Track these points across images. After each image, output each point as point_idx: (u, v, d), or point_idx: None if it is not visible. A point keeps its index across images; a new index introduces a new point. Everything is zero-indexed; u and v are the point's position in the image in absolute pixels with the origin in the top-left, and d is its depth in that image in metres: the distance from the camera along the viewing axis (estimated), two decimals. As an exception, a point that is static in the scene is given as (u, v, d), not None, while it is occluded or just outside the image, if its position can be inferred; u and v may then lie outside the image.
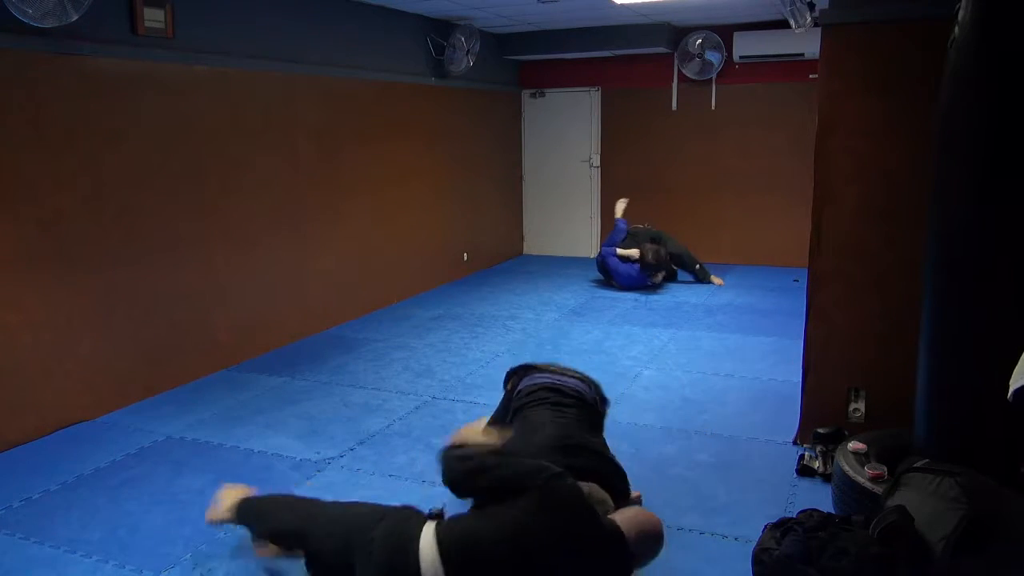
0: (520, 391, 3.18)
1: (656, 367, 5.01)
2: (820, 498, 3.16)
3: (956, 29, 2.58)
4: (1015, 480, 2.67)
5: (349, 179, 6.18)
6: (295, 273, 5.66)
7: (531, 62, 8.80)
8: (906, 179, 3.33)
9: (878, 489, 2.78)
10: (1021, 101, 2.49)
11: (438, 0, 6.28)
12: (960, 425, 2.74)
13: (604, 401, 3.33)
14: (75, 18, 3.69)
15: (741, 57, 7.72)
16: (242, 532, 3.02)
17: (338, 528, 2.37)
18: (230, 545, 2.94)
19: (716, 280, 7.45)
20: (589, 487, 2.51)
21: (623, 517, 2.38)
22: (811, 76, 7.25)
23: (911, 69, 3.29)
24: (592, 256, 8.30)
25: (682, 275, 7.58)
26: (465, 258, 7.99)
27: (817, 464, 3.44)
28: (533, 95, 9.03)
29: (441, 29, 7.12)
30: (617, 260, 7.20)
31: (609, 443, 3.85)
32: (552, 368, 3.33)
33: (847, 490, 2.95)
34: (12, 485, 3.46)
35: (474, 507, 2.43)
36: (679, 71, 8.13)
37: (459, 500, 2.58)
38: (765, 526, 2.62)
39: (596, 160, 8.86)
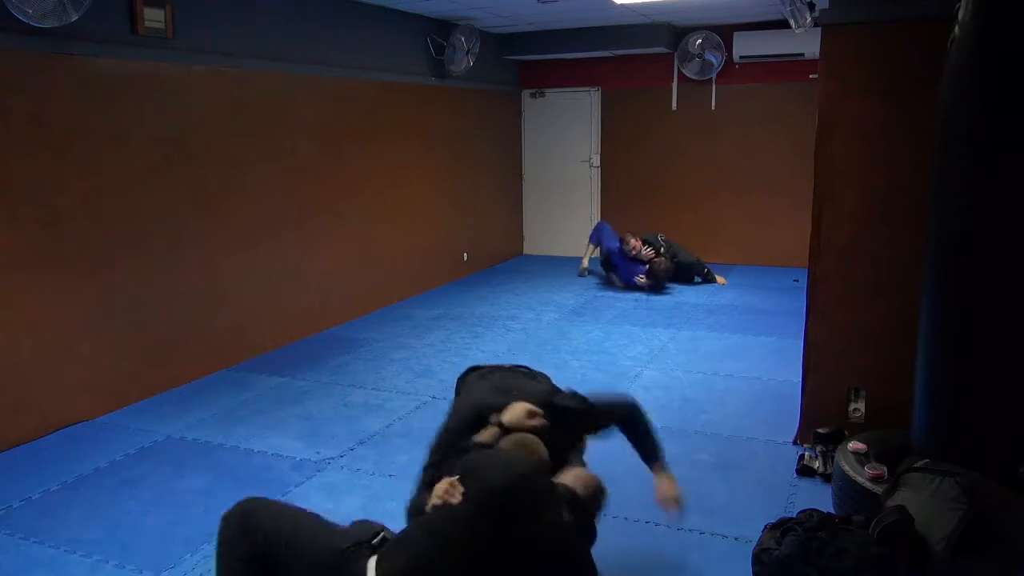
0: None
1: (656, 367, 5.01)
2: (820, 498, 3.16)
3: (956, 29, 2.58)
4: (1015, 480, 2.68)
5: (349, 179, 6.18)
6: (295, 273, 5.66)
7: (531, 62, 8.80)
8: (906, 179, 3.33)
9: (878, 489, 2.78)
10: (1021, 101, 2.49)
11: (438, 0, 6.28)
12: (960, 425, 2.74)
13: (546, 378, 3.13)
14: (75, 18, 3.69)
15: (741, 57, 7.72)
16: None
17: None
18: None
19: (720, 279, 7.46)
20: (523, 443, 2.37)
21: (571, 478, 2.41)
22: (811, 76, 7.25)
23: (911, 69, 3.29)
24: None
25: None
26: (465, 258, 7.99)
27: (817, 464, 3.44)
28: (533, 95, 9.03)
29: (441, 29, 7.12)
30: (624, 259, 7.21)
31: (609, 443, 3.86)
32: (506, 366, 3.15)
33: (847, 490, 2.95)
34: (12, 485, 3.46)
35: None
36: (679, 71, 8.13)
37: None
38: (765, 526, 2.62)
39: (596, 160, 8.85)
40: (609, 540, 2.98)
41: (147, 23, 4.35)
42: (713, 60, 7.85)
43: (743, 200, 8.16)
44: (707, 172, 8.29)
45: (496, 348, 5.47)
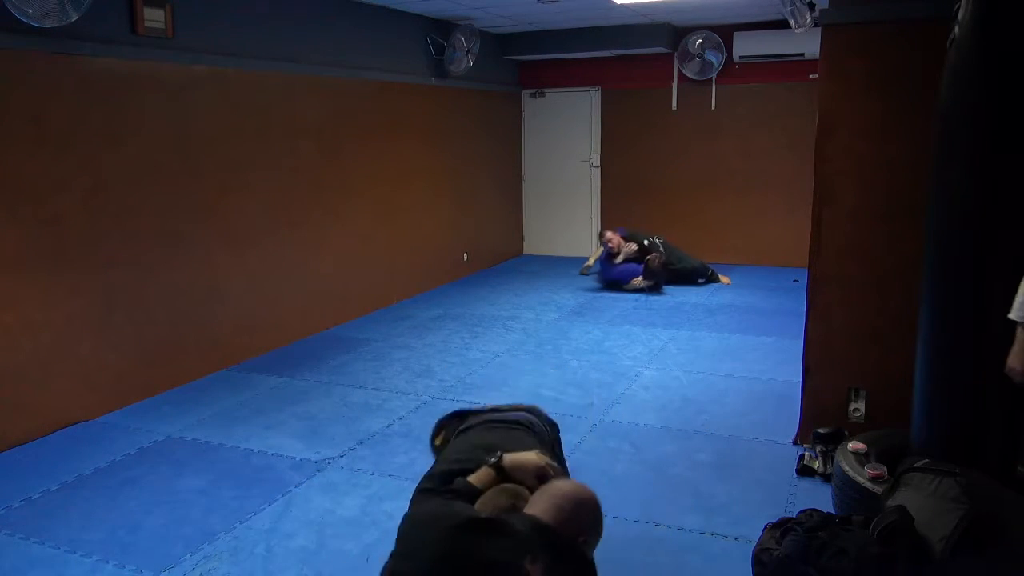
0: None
1: (656, 367, 5.01)
2: (820, 498, 3.16)
3: (956, 29, 2.58)
4: (1015, 480, 2.68)
5: (349, 179, 6.18)
6: (295, 273, 5.65)
7: (531, 62, 8.80)
8: (906, 179, 3.33)
9: (878, 489, 2.78)
10: (1021, 101, 2.49)
11: (438, 0, 6.28)
12: (960, 425, 2.75)
13: (554, 426, 2.70)
14: (75, 18, 3.69)
15: (741, 57, 7.72)
16: (243, 534, 3.03)
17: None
18: (230, 545, 2.95)
19: (724, 279, 7.46)
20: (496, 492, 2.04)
21: (541, 502, 1.95)
22: (811, 76, 7.25)
23: (911, 69, 3.29)
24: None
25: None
26: (465, 258, 7.99)
27: (817, 464, 3.44)
28: (533, 95, 9.03)
29: (441, 29, 7.12)
30: (617, 267, 7.19)
31: (609, 443, 3.87)
32: (488, 409, 2.68)
33: (847, 490, 2.95)
34: (12, 485, 3.46)
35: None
36: (679, 71, 8.13)
37: None
38: (765, 526, 2.62)
39: (596, 160, 8.85)
40: (609, 540, 2.98)
41: (147, 23, 4.35)
42: (713, 60, 7.85)
43: (743, 200, 8.16)
44: (707, 172, 8.29)
45: (496, 348, 5.47)
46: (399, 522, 1.96)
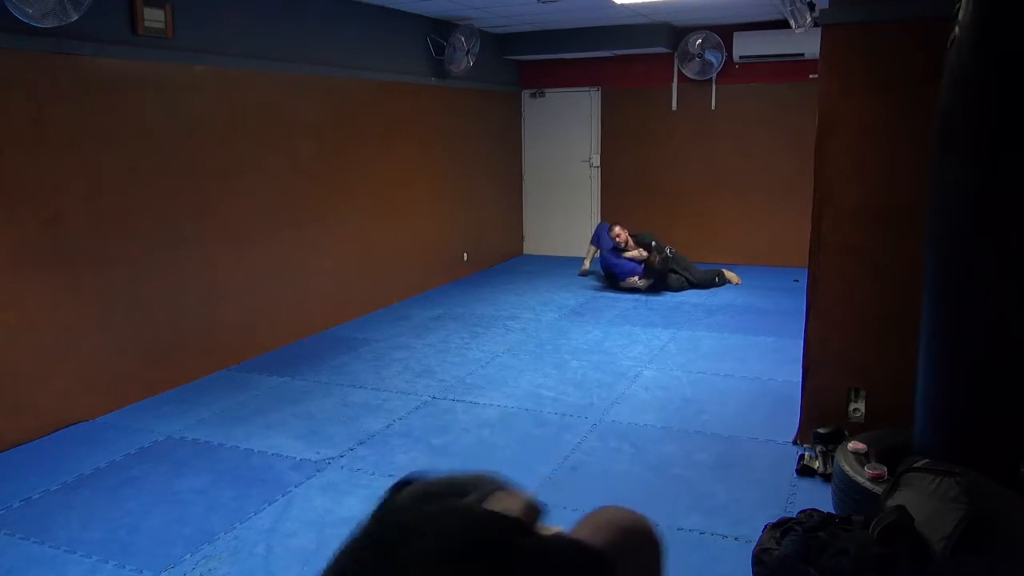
0: None
1: (656, 367, 5.01)
2: (820, 498, 3.16)
3: (956, 29, 2.58)
4: (1015, 480, 2.67)
5: (349, 179, 6.18)
6: (295, 273, 5.65)
7: (531, 62, 8.80)
8: (906, 179, 3.33)
9: (878, 489, 2.78)
10: (1021, 101, 2.49)
11: (438, 0, 6.28)
12: (960, 425, 2.74)
13: None
14: (75, 18, 3.69)
15: (741, 57, 7.72)
16: (243, 534, 3.03)
17: None
18: (230, 545, 2.95)
19: (733, 278, 7.42)
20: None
21: (589, 526, 1.50)
22: (811, 76, 7.25)
23: (911, 69, 3.29)
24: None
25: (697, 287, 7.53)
26: (465, 258, 7.99)
27: (817, 464, 3.44)
28: (533, 95, 9.03)
29: (441, 29, 7.12)
30: (616, 256, 7.20)
31: (609, 443, 3.87)
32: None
33: (847, 490, 2.95)
34: (12, 485, 3.46)
35: None
36: (679, 71, 8.13)
37: None
38: (765, 526, 2.62)
39: (596, 160, 8.85)
40: (609, 540, 2.99)
41: (147, 23, 4.35)
42: (713, 60, 7.85)
43: (743, 200, 8.16)
44: (707, 172, 8.29)
45: (496, 348, 5.47)
46: None
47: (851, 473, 2.94)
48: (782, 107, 7.80)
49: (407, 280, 7.03)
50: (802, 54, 7.35)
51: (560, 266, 8.45)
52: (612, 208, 8.71)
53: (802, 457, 3.51)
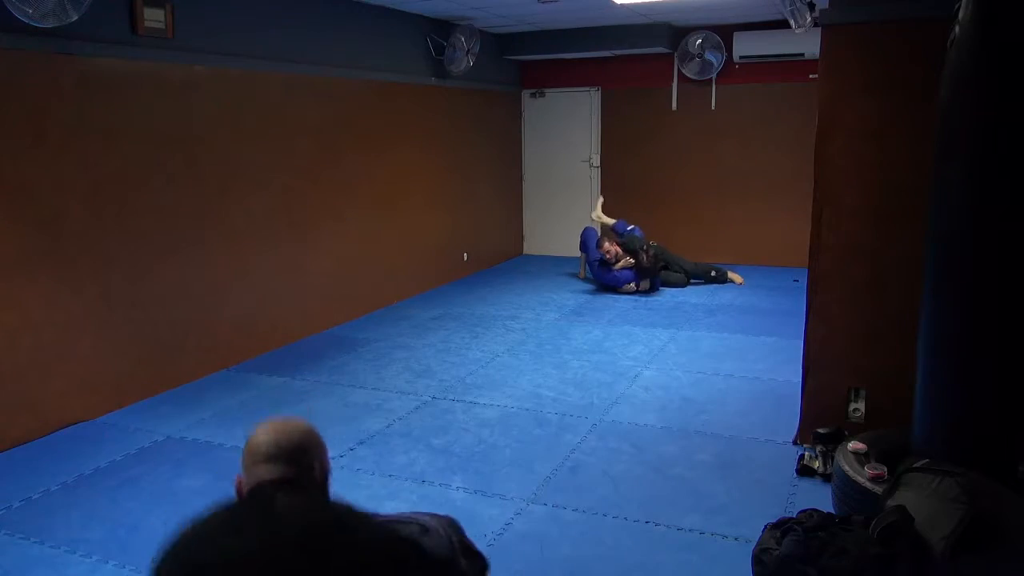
0: None
1: (656, 367, 5.01)
2: (820, 498, 3.16)
3: (956, 29, 2.58)
4: (1015, 480, 2.68)
5: (349, 179, 6.18)
6: (295, 273, 5.65)
7: (531, 62, 8.80)
8: (906, 179, 3.33)
9: (878, 489, 2.78)
10: (1021, 100, 2.49)
11: (438, 0, 6.28)
12: (960, 425, 2.74)
13: (469, 553, 1.81)
14: (75, 18, 3.69)
15: (741, 57, 7.72)
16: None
17: None
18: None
19: (736, 278, 7.41)
20: None
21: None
22: (811, 76, 7.24)
23: (911, 69, 3.29)
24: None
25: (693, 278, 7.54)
26: (465, 258, 7.99)
27: (817, 464, 3.44)
28: (533, 95, 9.03)
29: (441, 29, 7.12)
30: (612, 274, 7.14)
31: (609, 443, 3.87)
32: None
33: (847, 490, 2.95)
34: (12, 485, 3.46)
35: None
36: (679, 71, 8.13)
37: None
38: (765, 526, 2.62)
39: (596, 160, 8.85)
40: (609, 540, 2.99)
41: (147, 23, 4.35)
42: (713, 60, 7.85)
43: (743, 200, 8.16)
44: (707, 172, 8.29)
45: (496, 348, 5.47)
46: None
47: (851, 473, 2.94)
48: (782, 107, 7.80)
49: (407, 280, 7.03)
50: (802, 54, 7.35)
51: (560, 266, 8.45)
52: (612, 208, 8.69)
53: (802, 457, 3.51)
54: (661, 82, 8.31)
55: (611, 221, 7.84)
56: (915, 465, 2.65)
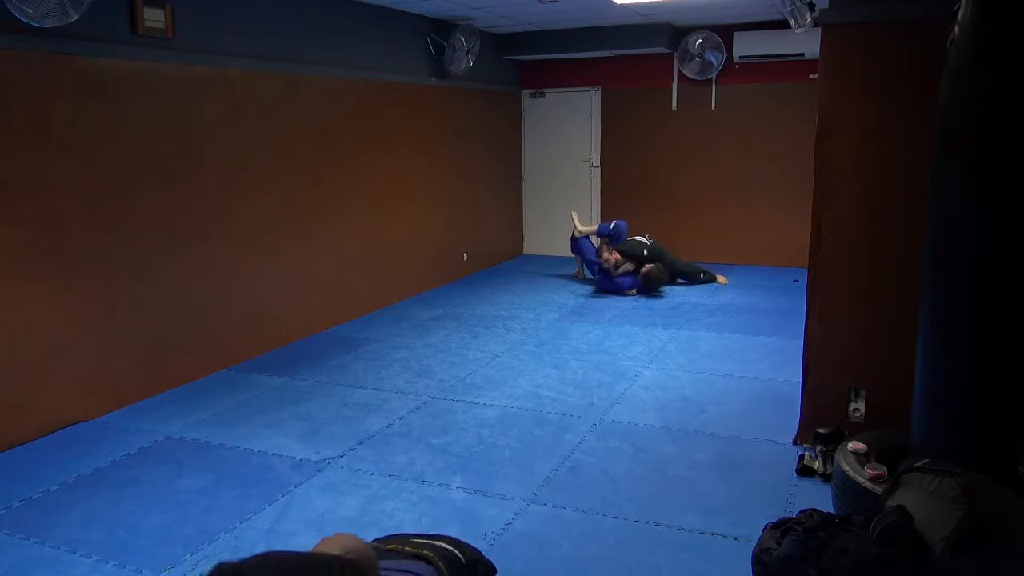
0: None
1: (656, 367, 5.01)
2: (820, 498, 3.16)
3: (956, 29, 2.58)
4: (1015, 480, 2.68)
5: (349, 179, 6.18)
6: (295, 273, 5.65)
7: (531, 62, 8.80)
8: (906, 179, 3.33)
9: (878, 489, 2.78)
10: (1021, 100, 2.49)
11: (438, 0, 6.28)
12: (960, 425, 2.75)
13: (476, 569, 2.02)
14: (75, 18, 3.69)
15: (741, 57, 7.72)
16: (243, 534, 3.03)
17: None
18: (230, 545, 2.95)
19: (721, 279, 7.44)
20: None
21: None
22: (811, 76, 7.25)
23: (911, 69, 3.29)
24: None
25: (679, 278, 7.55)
26: (465, 258, 7.99)
27: (817, 464, 3.44)
28: (533, 95, 9.03)
29: (441, 29, 7.12)
30: (613, 281, 7.12)
31: (609, 443, 3.87)
32: (393, 547, 2.00)
33: (847, 490, 2.95)
34: (12, 485, 3.46)
35: None
36: (679, 71, 8.13)
37: None
38: (765, 526, 2.62)
39: (596, 160, 8.85)
40: (610, 540, 2.99)
41: (147, 23, 4.35)
42: (713, 60, 7.85)
43: (743, 200, 8.16)
44: (707, 172, 8.29)
45: (496, 348, 5.47)
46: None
47: (851, 473, 2.94)
48: (782, 107, 7.80)
49: (407, 280, 7.03)
50: (802, 54, 7.35)
51: (560, 266, 8.45)
52: (612, 208, 8.70)
53: (802, 457, 3.51)
54: (661, 82, 8.31)
55: (592, 228, 7.82)
56: (915, 465, 2.65)
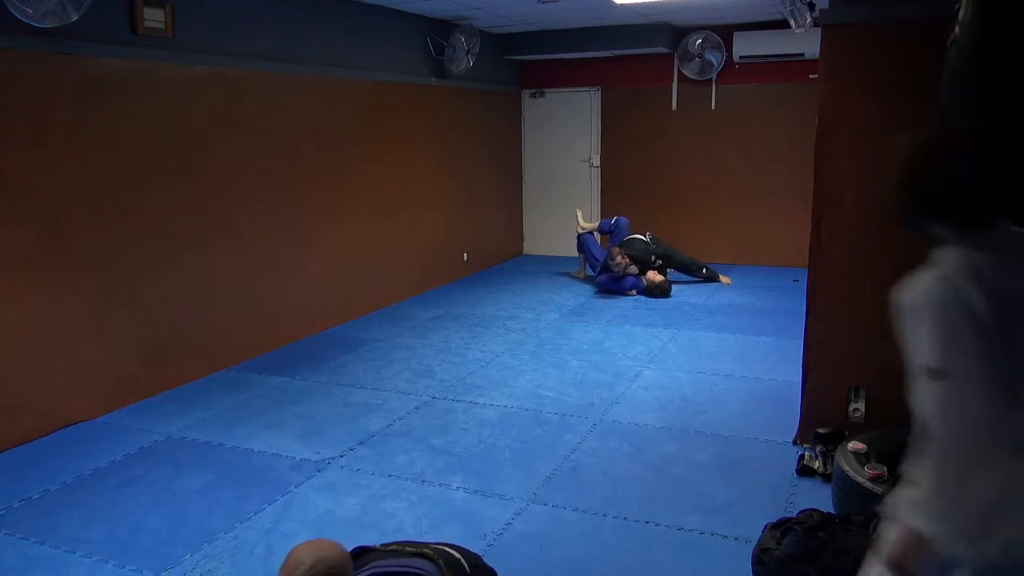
0: None
1: (656, 367, 5.01)
2: (820, 498, 3.16)
3: (956, 29, 2.58)
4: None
5: (349, 179, 6.18)
6: (295, 273, 5.66)
7: (531, 62, 8.80)
8: (906, 179, 3.33)
9: (878, 489, 2.78)
10: (1021, 101, 2.49)
11: (438, 0, 6.28)
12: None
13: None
14: (75, 18, 3.69)
15: (741, 57, 7.72)
16: (243, 534, 3.03)
17: None
18: (230, 545, 2.95)
19: (724, 279, 7.44)
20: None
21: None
22: (811, 76, 7.25)
23: (911, 69, 3.29)
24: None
25: (686, 275, 7.55)
26: (465, 258, 7.99)
27: (817, 464, 3.45)
28: (533, 95, 9.03)
29: (441, 29, 7.12)
30: (617, 284, 7.12)
31: (609, 443, 3.87)
32: (394, 547, 2.19)
33: (847, 490, 2.95)
34: (12, 485, 3.46)
35: None
36: (679, 71, 8.13)
37: None
38: (765, 526, 2.62)
39: (596, 160, 8.85)
40: (609, 540, 2.99)
41: (147, 23, 4.35)
42: (713, 60, 7.85)
43: (743, 200, 8.16)
44: (707, 172, 8.29)
45: (496, 348, 5.47)
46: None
47: (851, 473, 2.95)
48: (782, 107, 7.80)
49: (407, 280, 7.03)
50: (802, 54, 7.35)
51: (560, 266, 8.45)
52: (612, 208, 8.70)
53: (802, 457, 3.51)
54: (661, 82, 8.31)
55: (595, 225, 7.84)
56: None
